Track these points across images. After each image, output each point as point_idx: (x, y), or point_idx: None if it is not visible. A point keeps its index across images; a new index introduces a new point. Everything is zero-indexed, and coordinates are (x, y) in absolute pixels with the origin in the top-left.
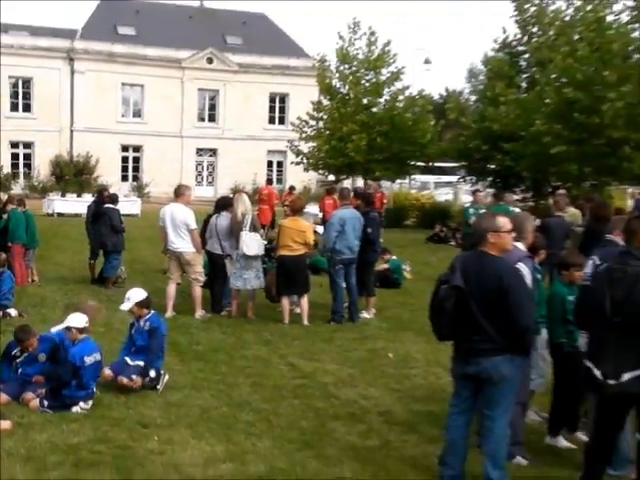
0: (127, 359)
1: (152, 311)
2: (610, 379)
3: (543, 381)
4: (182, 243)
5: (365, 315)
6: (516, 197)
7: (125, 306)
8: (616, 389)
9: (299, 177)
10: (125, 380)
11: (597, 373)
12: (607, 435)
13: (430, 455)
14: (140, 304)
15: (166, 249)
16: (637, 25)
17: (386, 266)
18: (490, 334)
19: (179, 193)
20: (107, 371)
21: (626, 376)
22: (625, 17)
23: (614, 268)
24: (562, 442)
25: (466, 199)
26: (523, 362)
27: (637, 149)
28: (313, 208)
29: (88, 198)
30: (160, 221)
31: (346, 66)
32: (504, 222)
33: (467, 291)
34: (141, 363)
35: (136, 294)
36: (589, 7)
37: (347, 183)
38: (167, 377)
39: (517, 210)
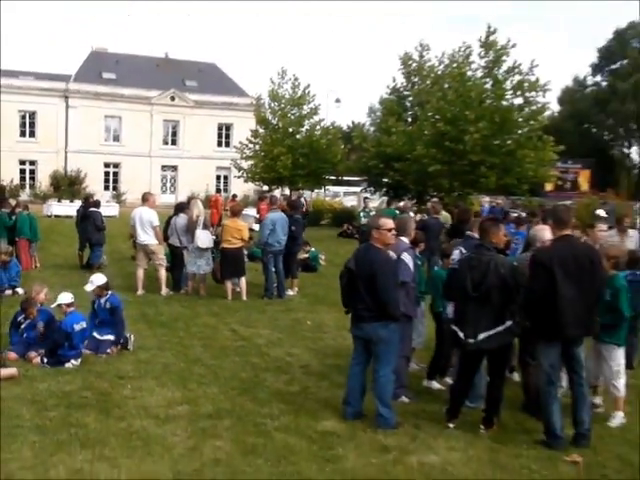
0: (96, 335)
1: (110, 292)
2: (470, 338)
3: (422, 340)
4: (147, 237)
5: (290, 292)
6: (403, 203)
7: (88, 287)
8: (474, 346)
9: (241, 187)
10: (104, 355)
11: (461, 334)
12: (467, 378)
13: (338, 397)
14: (100, 286)
15: (135, 242)
16: (488, 79)
17: (306, 255)
18: (369, 305)
19: (145, 198)
20: (86, 351)
21: (481, 336)
22: (479, 73)
23: (473, 257)
24: (435, 385)
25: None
26: (397, 327)
27: (490, 169)
28: (252, 211)
29: (78, 203)
30: (131, 220)
31: (276, 103)
32: (385, 222)
33: (356, 272)
34: (111, 337)
35: (98, 278)
36: (454, 65)
37: (277, 192)
38: (133, 337)
39: (411, 214)
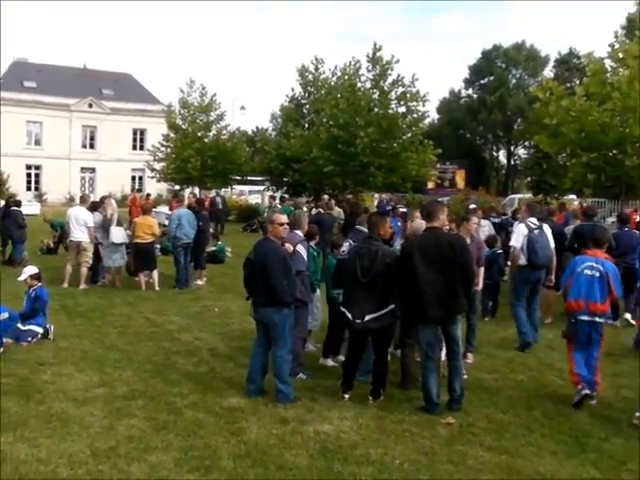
0: (19, 325)
1: (40, 284)
2: (358, 319)
3: (317, 324)
4: (81, 235)
5: (199, 282)
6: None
7: (21, 277)
8: (361, 326)
9: (155, 187)
10: (25, 344)
11: (349, 316)
12: (356, 354)
13: (242, 376)
14: (32, 276)
15: (69, 240)
16: (375, 90)
17: (214, 248)
18: (264, 291)
19: (83, 200)
20: (8, 340)
21: (368, 317)
22: (368, 84)
23: (362, 246)
24: (330, 362)
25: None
26: (290, 311)
27: (378, 169)
28: (164, 208)
29: (0, 203)
30: (67, 218)
31: (186, 110)
32: (278, 217)
33: (255, 263)
34: (32, 327)
35: (30, 269)
36: (346, 77)
37: (187, 191)
38: (53, 327)
39: (305, 209)
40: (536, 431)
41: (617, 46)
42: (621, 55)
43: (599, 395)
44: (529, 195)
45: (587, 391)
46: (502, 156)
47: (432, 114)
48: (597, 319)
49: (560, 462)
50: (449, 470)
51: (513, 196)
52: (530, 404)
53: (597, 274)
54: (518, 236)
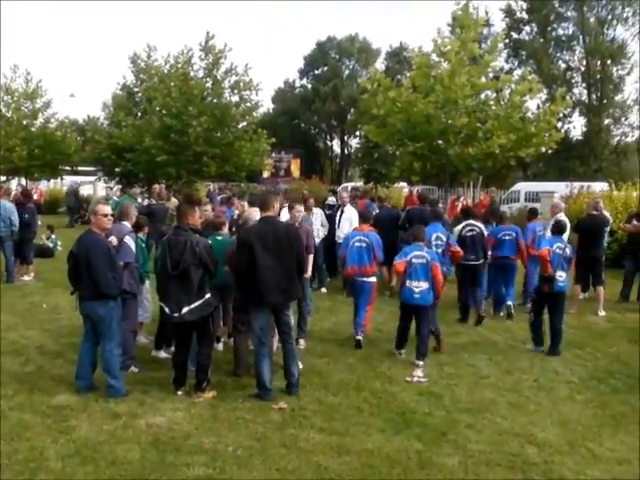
0: None
1: None
2: (175, 313)
3: (148, 315)
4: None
5: (26, 278)
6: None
7: None
8: (179, 319)
9: None
10: None
11: (167, 309)
12: (183, 349)
13: (71, 373)
14: None
15: None
16: (208, 79)
17: (44, 242)
18: (88, 285)
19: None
20: None
21: (185, 310)
22: (201, 73)
23: (171, 238)
24: (162, 354)
25: (101, 193)
26: (117, 304)
27: (212, 159)
28: None
29: None
30: None
31: (9, 97)
32: (101, 208)
33: (77, 255)
34: None
35: None
36: (179, 65)
37: (14, 182)
38: None
39: (139, 200)
40: (365, 411)
41: (439, 41)
42: (444, 50)
43: (426, 374)
44: (360, 183)
45: (360, 333)
46: (336, 145)
47: (267, 104)
48: (367, 279)
49: (387, 438)
50: (281, 453)
51: (346, 184)
52: (360, 385)
53: (364, 245)
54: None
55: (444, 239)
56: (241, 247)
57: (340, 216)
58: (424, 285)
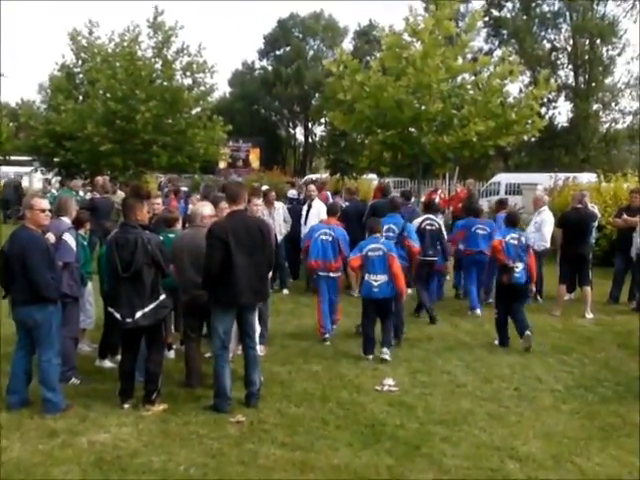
0: None
1: None
2: (127, 318)
3: (91, 321)
4: None
5: None
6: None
7: None
8: (132, 324)
9: None
10: None
11: (118, 315)
12: (131, 356)
13: (2, 387)
14: None
15: None
16: (158, 59)
17: None
18: (23, 288)
19: None
20: None
21: (138, 314)
22: (149, 53)
23: (119, 236)
24: (107, 363)
25: (37, 186)
26: (57, 309)
27: (162, 148)
28: None
29: None
30: None
31: None
32: (37, 202)
33: (9, 255)
34: None
35: None
36: (125, 44)
37: None
38: None
39: (81, 193)
40: (331, 423)
41: (412, 20)
42: (416, 29)
43: (397, 382)
44: (326, 175)
45: (327, 335)
46: (299, 133)
47: (223, 87)
48: (332, 274)
49: (355, 453)
50: (238, 471)
51: (311, 176)
52: (325, 395)
53: (330, 238)
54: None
55: (396, 231)
56: (214, 243)
57: (307, 211)
58: (382, 278)
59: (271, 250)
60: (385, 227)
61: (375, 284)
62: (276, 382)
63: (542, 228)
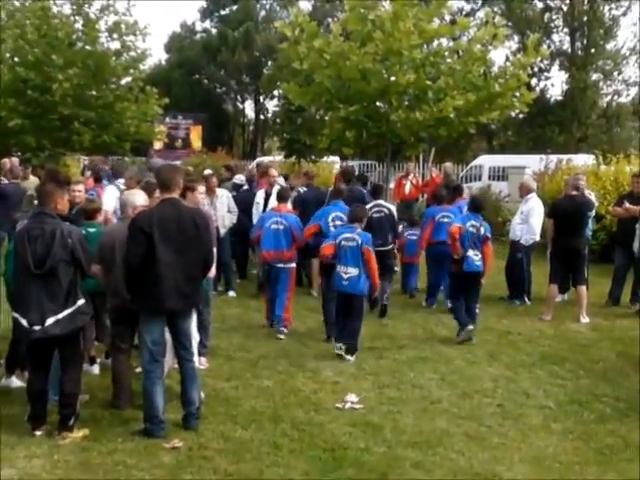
0: None
1: None
2: (36, 325)
3: None
4: None
5: None
6: None
7: None
8: (41, 333)
9: None
10: None
11: (24, 322)
12: (41, 373)
13: None
14: None
15: None
16: (78, 17)
17: None
18: None
19: None
20: None
21: (50, 321)
22: (67, 10)
23: (34, 227)
24: (15, 382)
25: None
26: None
27: (85, 124)
28: None
29: None
30: None
31: None
32: None
33: None
34: None
35: None
36: None
37: None
38: None
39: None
40: (284, 447)
41: None
42: None
43: (361, 399)
44: (280, 157)
45: (283, 329)
46: (249, 109)
47: (158, 53)
48: (284, 265)
49: None
50: None
51: (262, 158)
52: (277, 415)
53: (282, 227)
54: None
55: (345, 219)
56: (135, 236)
57: (266, 200)
58: (353, 271)
59: (208, 247)
60: (331, 216)
61: (345, 276)
62: (220, 400)
63: (529, 219)
